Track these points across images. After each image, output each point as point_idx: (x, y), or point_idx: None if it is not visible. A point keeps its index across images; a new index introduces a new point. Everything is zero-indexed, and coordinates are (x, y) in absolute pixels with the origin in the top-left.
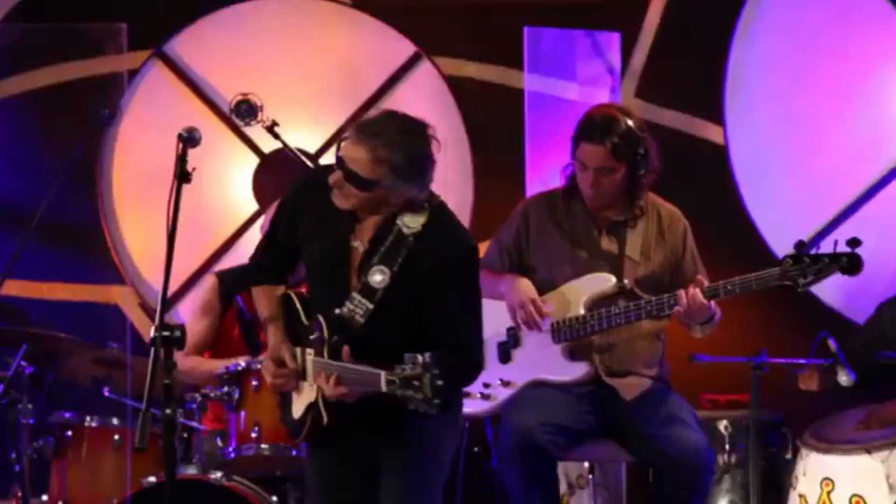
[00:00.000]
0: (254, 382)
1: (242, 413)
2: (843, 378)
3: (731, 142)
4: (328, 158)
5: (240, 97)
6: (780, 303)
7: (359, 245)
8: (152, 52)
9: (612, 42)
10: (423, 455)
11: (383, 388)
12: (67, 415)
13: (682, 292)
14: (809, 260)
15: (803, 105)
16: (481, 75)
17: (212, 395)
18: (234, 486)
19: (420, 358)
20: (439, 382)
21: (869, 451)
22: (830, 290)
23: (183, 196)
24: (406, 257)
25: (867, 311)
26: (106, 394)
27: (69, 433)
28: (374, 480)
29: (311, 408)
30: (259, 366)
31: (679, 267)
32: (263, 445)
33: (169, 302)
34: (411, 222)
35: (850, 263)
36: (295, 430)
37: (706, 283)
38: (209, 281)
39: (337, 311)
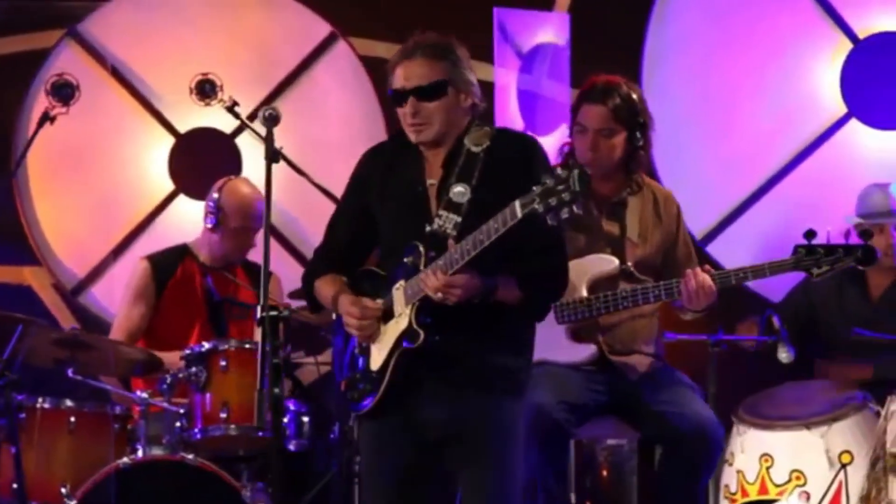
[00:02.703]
0: (222, 363)
1: (208, 394)
2: (784, 355)
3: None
4: (245, 139)
5: (200, 76)
6: None
7: (433, 181)
8: (65, 31)
9: (562, 23)
10: (497, 447)
11: (519, 213)
12: (20, 396)
13: (689, 273)
14: (824, 251)
15: (718, 84)
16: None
17: (180, 375)
18: (207, 466)
19: (557, 169)
20: (588, 171)
21: (808, 427)
22: None
23: (98, 176)
24: (481, 170)
25: (780, 290)
26: (70, 375)
27: (22, 415)
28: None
29: (401, 338)
30: (227, 346)
31: (672, 248)
32: (232, 426)
33: (83, 283)
34: (477, 141)
35: (864, 255)
36: (369, 389)
37: (710, 269)
38: (141, 266)
39: (428, 228)
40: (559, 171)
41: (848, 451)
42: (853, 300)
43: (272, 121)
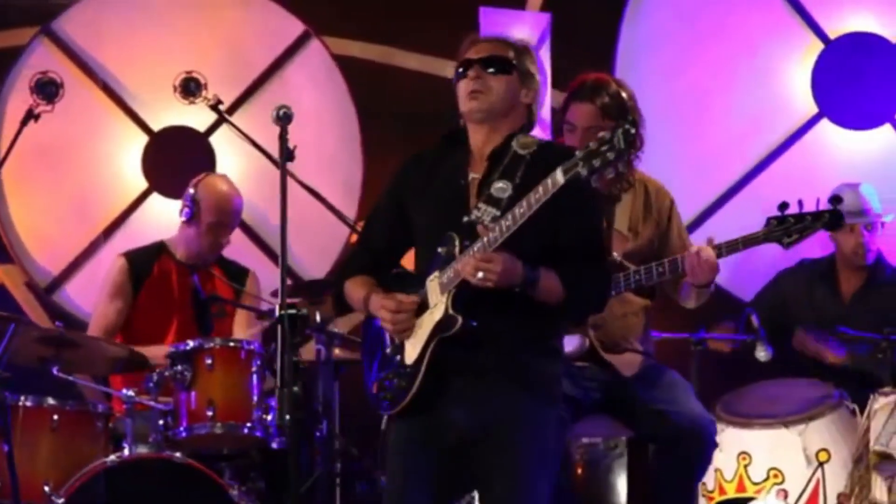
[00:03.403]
0: (207, 361)
1: (194, 392)
2: (762, 353)
3: None
4: (219, 137)
5: (184, 75)
6: None
7: (475, 175)
8: (39, 29)
9: (538, 22)
10: (527, 448)
11: (561, 179)
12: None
13: (686, 252)
14: (793, 220)
15: (690, 84)
16: (365, 54)
17: (166, 374)
18: (194, 465)
19: (600, 132)
20: (632, 130)
21: (786, 425)
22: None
23: (72, 173)
24: (525, 171)
25: (752, 289)
26: (55, 374)
27: None
28: (455, 466)
29: (437, 327)
30: (212, 345)
31: (665, 240)
32: (217, 424)
33: (57, 281)
34: (525, 146)
35: (832, 219)
36: (403, 386)
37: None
38: (118, 263)
39: (465, 218)
40: (602, 134)
41: (825, 450)
42: (825, 300)
43: (286, 119)
